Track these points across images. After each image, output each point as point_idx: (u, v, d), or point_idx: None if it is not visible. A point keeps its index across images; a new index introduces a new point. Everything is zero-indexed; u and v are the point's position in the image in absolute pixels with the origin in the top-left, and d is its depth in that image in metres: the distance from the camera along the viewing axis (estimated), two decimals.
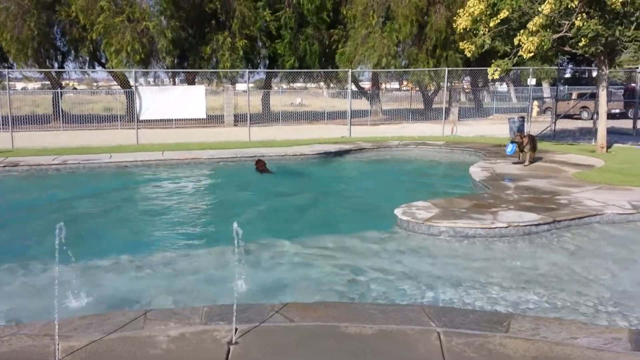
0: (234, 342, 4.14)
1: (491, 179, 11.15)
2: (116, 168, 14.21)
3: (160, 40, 26.07)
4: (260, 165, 13.49)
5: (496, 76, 15.19)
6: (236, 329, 4.29)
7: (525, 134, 14.47)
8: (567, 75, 47.87)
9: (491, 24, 13.68)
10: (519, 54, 13.62)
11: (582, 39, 12.90)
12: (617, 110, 28.74)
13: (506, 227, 7.44)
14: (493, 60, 15.18)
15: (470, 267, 6.31)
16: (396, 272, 6.17)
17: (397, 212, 8.24)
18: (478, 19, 13.93)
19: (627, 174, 11.14)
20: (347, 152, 16.63)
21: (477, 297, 5.40)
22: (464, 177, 12.08)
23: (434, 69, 26.95)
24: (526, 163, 12.83)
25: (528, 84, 34.88)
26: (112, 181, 12.96)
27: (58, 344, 4.06)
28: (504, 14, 13.12)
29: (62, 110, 27.62)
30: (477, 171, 12.11)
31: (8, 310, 5.33)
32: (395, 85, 60.31)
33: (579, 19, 12.72)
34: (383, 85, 44.25)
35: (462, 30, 14.88)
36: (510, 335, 4.17)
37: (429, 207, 8.50)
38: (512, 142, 13.34)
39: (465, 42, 15.27)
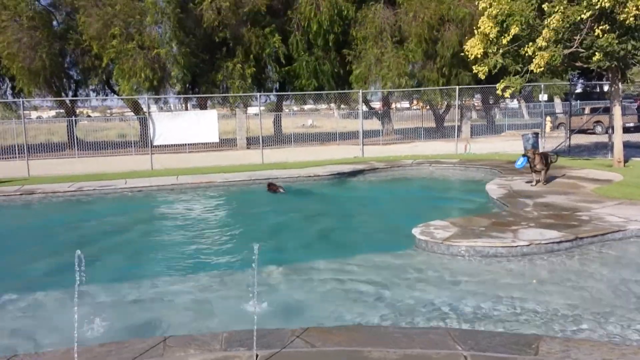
0: None
1: (509, 196, 11.00)
2: (131, 193, 14.25)
3: (172, 67, 26.40)
4: (272, 187, 13.67)
5: (507, 95, 15.14)
6: (257, 355, 4.21)
7: (539, 151, 13.83)
8: (578, 90, 47.69)
9: (504, 42, 13.64)
10: (529, 69, 13.55)
11: (597, 53, 12.81)
12: (632, 124, 28.50)
13: (528, 246, 7.30)
14: (504, 77, 15.14)
15: (493, 287, 6.17)
16: (417, 293, 6.06)
17: (415, 231, 8.13)
18: (491, 39, 13.90)
19: None
20: (361, 172, 16.56)
21: (503, 319, 5.26)
22: (481, 195, 11.94)
23: (446, 87, 26.96)
24: (542, 182, 12.16)
25: (540, 99, 34.78)
26: (127, 207, 12.98)
27: None
28: (514, 30, 13.09)
29: (77, 137, 27.95)
30: (494, 189, 11.96)
31: (29, 336, 5.30)
32: (405, 104, 60.46)
33: (598, 30, 12.62)
34: (393, 105, 44.33)
35: (475, 58, 14.87)
36: (540, 358, 4.05)
37: (447, 226, 8.39)
38: (523, 155, 12.74)
39: (477, 65, 15.21)
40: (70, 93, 32.83)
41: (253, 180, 15.11)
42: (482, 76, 15.17)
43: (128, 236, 9.92)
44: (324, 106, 47.40)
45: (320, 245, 8.89)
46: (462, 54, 16.30)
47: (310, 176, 15.71)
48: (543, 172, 12.21)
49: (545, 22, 12.79)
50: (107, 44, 25.90)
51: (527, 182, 12.50)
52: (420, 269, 6.95)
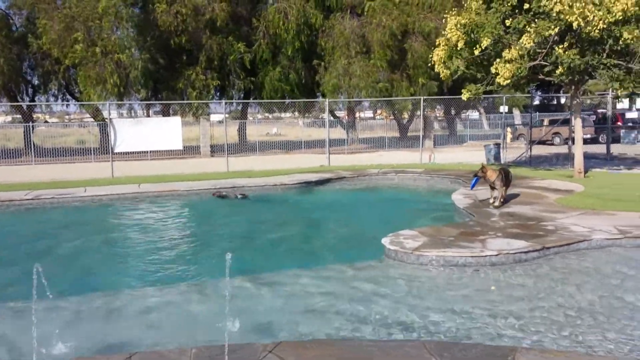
0: None
1: (474, 206, 11.09)
2: (91, 202, 13.80)
3: (132, 72, 25.84)
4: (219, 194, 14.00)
5: (464, 97, 15.41)
6: None
7: (496, 167, 11.94)
8: (536, 102, 48.96)
9: (476, 52, 13.81)
10: (496, 82, 13.78)
11: (560, 67, 13.11)
12: (588, 135, 29.32)
13: (496, 255, 7.33)
14: (467, 84, 15.47)
15: (465, 297, 6.16)
16: (389, 304, 5.98)
17: (385, 241, 8.08)
18: (456, 47, 14.13)
19: (608, 199, 11.19)
20: (328, 181, 16.50)
21: (476, 330, 5.23)
22: (447, 205, 12.02)
23: (412, 97, 27.21)
24: (496, 203, 10.74)
25: (500, 111, 35.53)
26: (87, 216, 12.57)
27: None
28: (485, 42, 13.28)
29: (34, 144, 27.02)
30: (460, 198, 12.06)
31: None
32: (369, 114, 61.01)
33: (560, 48, 12.93)
34: (358, 114, 44.59)
35: (439, 63, 15.12)
36: None
37: (417, 236, 8.37)
38: (475, 176, 11.36)
39: (440, 65, 15.46)
40: (27, 98, 31.81)
41: (218, 189, 14.83)
42: (444, 78, 15.44)
43: (86, 246, 9.56)
44: (288, 114, 47.35)
45: (287, 255, 8.77)
46: (429, 64, 16.68)
47: (276, 185, 15.55)
48: (502, 191, 10.84)
49: (518, 39, 13.01)
50: (67, 47, 25.21)
51: (482, 200, 11.37)
52: (390, 280, 6.89)
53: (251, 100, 30.83)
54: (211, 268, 7.67)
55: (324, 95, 28.45)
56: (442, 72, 15.36)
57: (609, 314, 5.56)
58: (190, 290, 6.82)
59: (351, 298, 6.22)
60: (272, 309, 6.01)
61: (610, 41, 12.81)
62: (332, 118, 34.45)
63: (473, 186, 11.97)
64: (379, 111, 48.36)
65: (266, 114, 47.64)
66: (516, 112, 48.49)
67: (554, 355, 4.30)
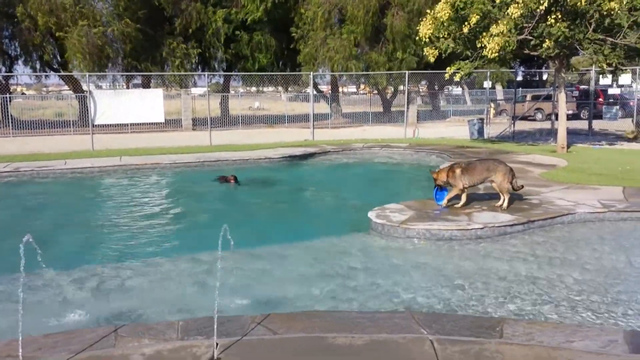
0: (215, 358, 3.87)
1: None
2: (72, 175, 13.56)
3: (119, 44, 25.34)
4: (223, 178, 13.22)
5: (457, 78, 15.34)
6: (217, 344, 4.01)
7: (475, 159, 9.07)
8: (519, 78, 49.08)
9: (465, 30, 13.65)
10: (482, 55, 13.69)
11: (547, 41, 13.06)
12: (570, 112, 29.46)
13: (482, 228, 7.36)
14: (454, 62, 15.31)
15: (451, 269, 6.18)
16: (377, 277, 5.98)
17: (371, 215, 8.05)
18: (444, 24, 13.96)
19: (591, 173, 11.31)
20: (312, 155, 16.39)
21: (463, 301, 5.25)
22: (432, 179, 11.98)
23: (396, 72, 27.02)
24: (460, 204, 8.34)
25: (484, 86, 35.55)
26: (68, 189, 12.36)
27: None
28: (474, 19, 13.13)
29: (11, 116, 26.37)
30: None
31: None
32: (353, 89, 60.78)
33: (550, 20, 12.86)
34: (341, 89, 44.33)
35: (426, 39, 14.91)
36: (505, 341, 4.03)
37: (403, 210, 8.37)
38: (437, 186, 8.68)
39: (428, 47, 15.30)
40: (4, 69, 30.95)
41: (202, 162, 14.68)
42: (431, 59, 15.27)
43: (70, 219, 9.41)
44: (271, 89, 46.87)
45: (274, 230, 8.69)
46: (409, 38, 16.41)
47: (261, 159, 15.41)
48: (465, 193, 8.40)
49: (505, 11, 12.89)
50: (51, 19, 24.52)
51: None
52: (377, 253, 6.89)
53: (234, 73, 30.38)
54: (194, 242, 7.59)
55: (301, 66, 28.14)
56: (430, 52, 15.13)
57: (595, 287, 5.62)
58: (172, 263, 6.74)
59: (337, 271, 6.21)
60: (258, 282, 5.98)
61: (596, 15, 12.77)
62: (315, 92, 34.21)
63: (440, 200, 8.72)
64: (362, 86, 48.09)
65: (248, 88, 47.18)
66: (498, 87, 48.62)
67: (541, 326, 4.32)
